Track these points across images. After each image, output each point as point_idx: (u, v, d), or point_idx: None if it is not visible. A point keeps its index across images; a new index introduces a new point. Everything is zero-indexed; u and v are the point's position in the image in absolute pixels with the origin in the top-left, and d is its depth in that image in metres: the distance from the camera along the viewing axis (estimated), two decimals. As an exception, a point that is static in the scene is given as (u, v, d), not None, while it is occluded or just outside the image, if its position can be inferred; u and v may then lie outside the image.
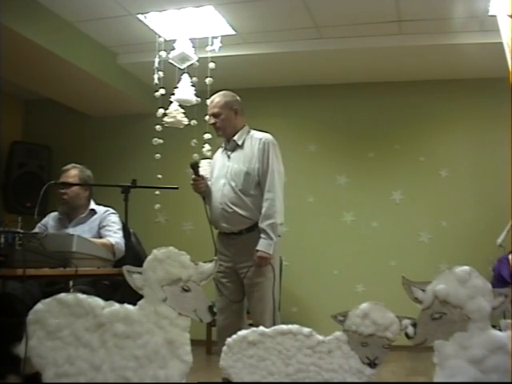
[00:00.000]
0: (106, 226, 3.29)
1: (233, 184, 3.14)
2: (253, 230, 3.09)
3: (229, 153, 3.26)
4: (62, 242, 2.64)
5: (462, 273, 1.97)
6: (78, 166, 3.45)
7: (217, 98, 3.26)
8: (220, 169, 3.26)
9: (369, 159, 5.67)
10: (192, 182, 3.21)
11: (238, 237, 3.13)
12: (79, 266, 2.51)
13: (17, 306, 2.60)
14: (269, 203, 3.07)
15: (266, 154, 3.15)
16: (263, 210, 3.07)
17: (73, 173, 3.38)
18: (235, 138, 3.23)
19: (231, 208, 3.11)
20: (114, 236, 3.20)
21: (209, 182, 3.29)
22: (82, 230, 3.21)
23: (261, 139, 3.19)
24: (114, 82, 5.32)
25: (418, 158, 5.57)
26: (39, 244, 2.47)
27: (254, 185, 3.14)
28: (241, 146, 3.22)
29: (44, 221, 3.38)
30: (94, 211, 3.38)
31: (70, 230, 3.19)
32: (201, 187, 3.21)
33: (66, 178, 3.34)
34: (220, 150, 3.38)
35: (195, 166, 3.21)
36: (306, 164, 5.66)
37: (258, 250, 3.02)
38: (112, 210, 3.38)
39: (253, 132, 3.28)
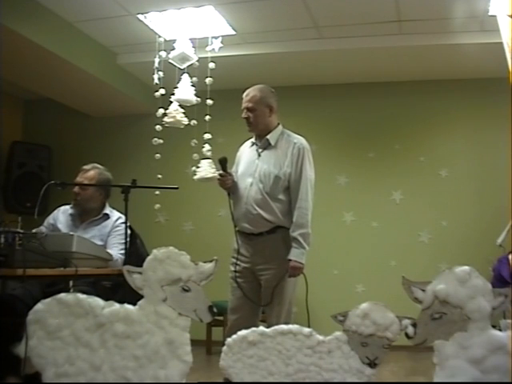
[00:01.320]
0: (113, 236, 3.18)
1: (260, 186, 3.02)
2: (273, 232, 3.01)
3: (259, 150, 3.11)
4: (62, 242, 2.63)
5: (462, 273, 1.96)
6: (98, 167, 3.29)
7: (252, 92, 3.08)
8: (248, 165, 3.12)
9: (369, 159, 5.67)
10: (219, 177, 3.10)
11: (257, 238, 3.03)
12: (79, 266, 2.50)
13: (17, 306, 2.59)
14: (301, 212, 3.00)
15: (300, 161, 3.04)
16: (294, 219, 2.99)
17: (91, 175, 3.23)
18: (268, 137, 3.09)
19: (256, 210, 3.00)
20: (116, 250, 3.08)
21: (233, 174, 3.16)
22: (92, 235, 3.11)
23: (295, 143, 3.06)
24: (114, 81, 5.32)
25: (418, 157, 5.57)
26: (39, 244, 2.47)
27: (283, 189, 3.03)
28: (273, 146, 3.08)
29: (53, 215, 3.25)
30: (107, 216, 3.24)
31: (80, 232, 3.06)
32: (227, 183, 3.09)
33: (83, 179, 3.20)
34: (248, 143, 3.23)
35: (224, 162, 3.08)
36: (306, 164, 5.63)
37: (290, 260, 2.94)
38: (123, 219, 3.11)
39: (287, 133, 3.15)
